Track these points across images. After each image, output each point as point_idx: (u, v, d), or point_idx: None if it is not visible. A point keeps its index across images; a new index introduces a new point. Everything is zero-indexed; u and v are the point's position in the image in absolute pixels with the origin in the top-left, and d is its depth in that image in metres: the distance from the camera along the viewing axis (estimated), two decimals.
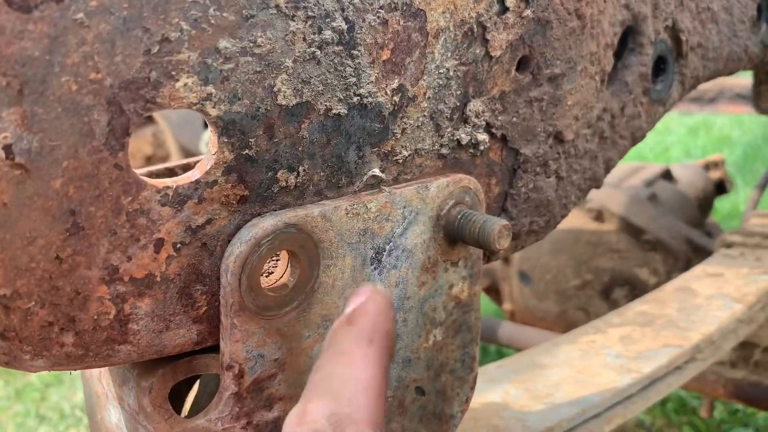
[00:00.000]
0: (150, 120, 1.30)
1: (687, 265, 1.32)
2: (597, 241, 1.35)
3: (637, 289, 1.34)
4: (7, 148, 0.33)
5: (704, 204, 1.52)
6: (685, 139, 3.12)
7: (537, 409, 0.76)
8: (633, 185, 1.41)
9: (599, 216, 1.33)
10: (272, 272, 0.47)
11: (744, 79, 1.99)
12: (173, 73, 0.36)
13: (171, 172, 0.57)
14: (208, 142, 0.41)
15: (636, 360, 0.89)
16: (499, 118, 0.52)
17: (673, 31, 0.71)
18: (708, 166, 1.60)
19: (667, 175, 1.50)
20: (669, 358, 0.90)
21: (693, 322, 1.01)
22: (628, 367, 0.88)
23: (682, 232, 1.35)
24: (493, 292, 1.57)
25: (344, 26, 0.42)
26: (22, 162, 0.33)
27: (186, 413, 0.58)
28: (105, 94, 0.34)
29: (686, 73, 0.75)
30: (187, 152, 1.55)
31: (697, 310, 1.06)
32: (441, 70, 0.47)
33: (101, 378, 0.51)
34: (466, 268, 0.53)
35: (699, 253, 1.35)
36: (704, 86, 1.96)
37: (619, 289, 1.36)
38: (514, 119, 0.54)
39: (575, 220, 1.36)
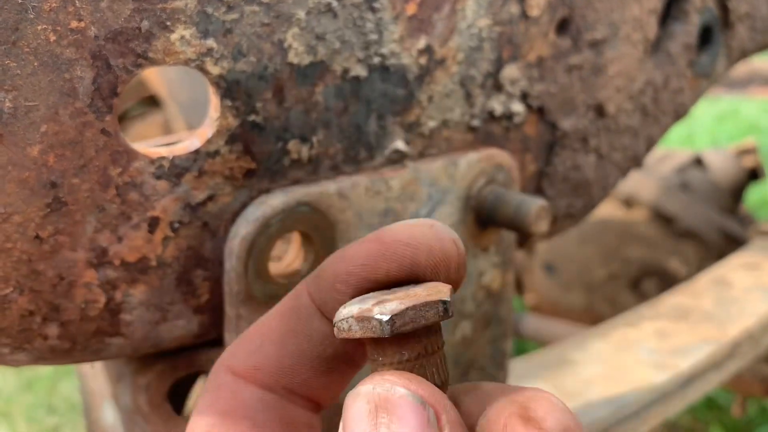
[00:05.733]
0: (155, 104, 1.25)
1: (720, 255, 1.26)
2: (626, 230, 1.29)
3: (667, 281, 1.27)
4: None
5: (737, 192, 1.46)
6: (711, 126, 3.02)
7: None
8: (663, 172, 1.35)
9: (628, 203, 1.28)
10: (282, 258, 0.42)
11: None
12: (168, 23, 0.31)
13: None
14: None
15: (672, 356, 0.84)
16: (536, 86, 0.47)
17: None
18: (740, 153, 1.53)
19: (698, 162, 1.43)
20: (707, 353, 0.84)
21: (731, 316, 0.95)
22: (665, 364, 0.82)
23: (715, 220, 1.28)
24: (516, 283, 1.51)
25: None
26: None
27: (190, 413, 0.53)
28: (89, 46, 0.30)
29: (733, 45, 0.69)
30: None
31: (734, 302, 1.00)
32: (473, 30, 0.42)
33: (96, 374, 0.47)
34: (498, 255, 0.48)
35: (732, 243, 1.28)
36: (735, 70, 1.89)
37: (648, 281, 1.29)
38: (552, 89, 0.48)
39: (603, 207, 1.30)
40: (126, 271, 0.34)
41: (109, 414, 0.44)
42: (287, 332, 0.25)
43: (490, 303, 0.48)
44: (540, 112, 0.48)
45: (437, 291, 0.22)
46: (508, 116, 0.46)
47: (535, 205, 0.43)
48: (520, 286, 1.51)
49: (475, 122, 0.45)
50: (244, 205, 0.37)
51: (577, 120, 0.51)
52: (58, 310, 0.33)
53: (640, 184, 1.30)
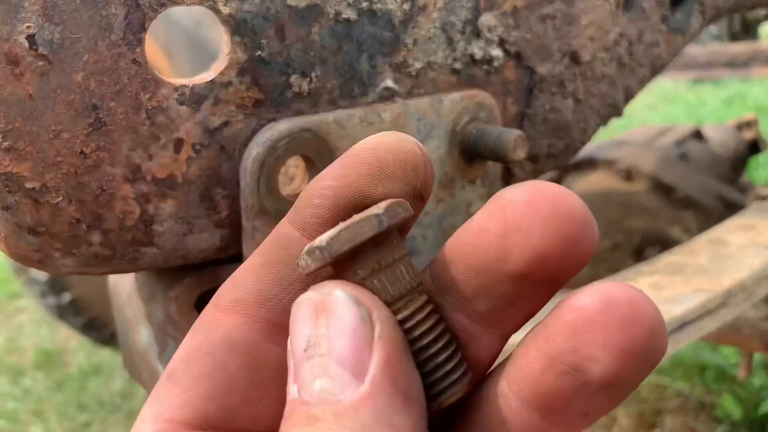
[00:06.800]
0: None
1: (720, 222, 1.30)
2: (627, 201, 1.33)
3: (669, 248, 1.32)
4: (31, 38, 0.34)
5: (737, 163, 1.50)
6: (719, 110, 3.05)
7: None
8: (663, 145, 1.39)
9: (628, 176, 1.32)
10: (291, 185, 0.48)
11: None
12: None
13: None
14: None
15: (666, 303, 0.88)
16: (512, 34, 0.53)
17: None
18: (740, 126, 1.57)
19: (697, 135, 1.47)
20: (700, 301, 0.89)
21: (725, 270, 1.00)
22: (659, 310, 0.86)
23: (714, 188, 1.32)
24: None
25: None
26: (45, 53, 0.35)
27: None
28: None
29: (706, 2, 0.74)
30: None
31: (728, 258, 1.04)
32: None
33: (131, 301, 0.53)
34: (484, 187, 0.53)
35: (732, 210, 1.32)
36: (737, 49, 1.92)
37: (651, 249, 1.34)
38: (528, 36, 0.54)
39: (604, 180, 1.34)
40: (157, 186, 0.40)
41: (144, 334, 0.50)
42: (267, 262, 0.25)
43: None
44: (517, 57, 0.54)
45: (377, 207, 0.23)
46: (488, 60, 0.52)
47: (512, 134, 0.49)
48: None
49: (458, 65, 0.51)
50: (254, 132, 0.42)
51: (553, 66, 0.56)
52: (100, 219, 0.39)
53: (639, 156, 1.35)
